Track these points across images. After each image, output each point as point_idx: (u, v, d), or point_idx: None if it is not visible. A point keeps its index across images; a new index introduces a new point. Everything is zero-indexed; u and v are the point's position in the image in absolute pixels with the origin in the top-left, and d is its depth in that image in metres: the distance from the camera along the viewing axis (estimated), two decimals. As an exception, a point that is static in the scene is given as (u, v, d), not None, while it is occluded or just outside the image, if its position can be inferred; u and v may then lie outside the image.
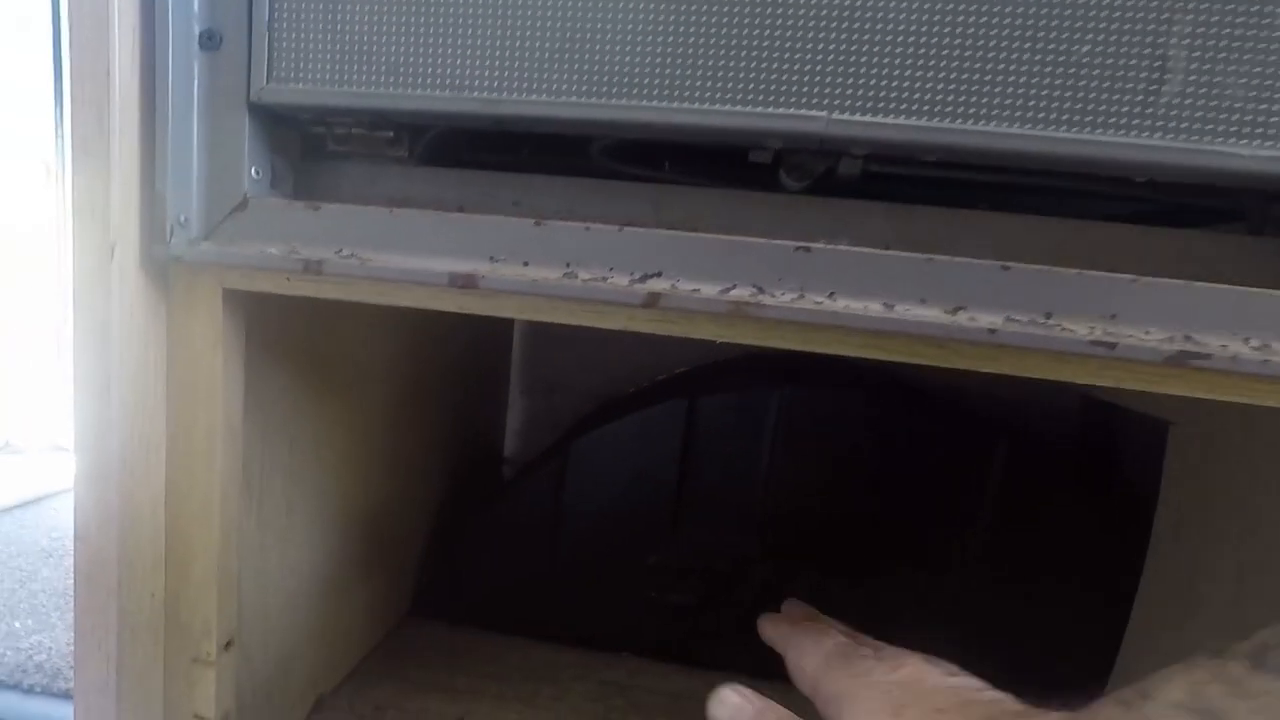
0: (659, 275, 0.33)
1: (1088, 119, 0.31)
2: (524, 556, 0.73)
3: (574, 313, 0.33)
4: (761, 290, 0.33)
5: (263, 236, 0.34)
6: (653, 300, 0.32)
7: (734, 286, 0.33)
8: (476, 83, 0.33)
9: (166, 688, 0.41)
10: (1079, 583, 0.67)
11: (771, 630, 0.40)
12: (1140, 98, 0.31)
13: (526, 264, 0.33)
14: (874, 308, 0.32)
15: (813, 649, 0.36)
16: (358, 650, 0.65)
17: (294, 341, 0.46)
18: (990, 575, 0.68)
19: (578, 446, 0.71)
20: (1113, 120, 0.31)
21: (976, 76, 0.31)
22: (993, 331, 0.31)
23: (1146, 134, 0.31)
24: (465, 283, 0.33)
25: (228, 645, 0.41)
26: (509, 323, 0.98)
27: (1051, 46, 0.30)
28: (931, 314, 0.32)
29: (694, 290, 0.33)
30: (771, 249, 0.33)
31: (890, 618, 0.70)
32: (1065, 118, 0.31)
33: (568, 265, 0.33)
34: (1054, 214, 0.35)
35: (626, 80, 0.32)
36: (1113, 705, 0.25)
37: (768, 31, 0.31)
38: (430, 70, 0.33)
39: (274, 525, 0.48)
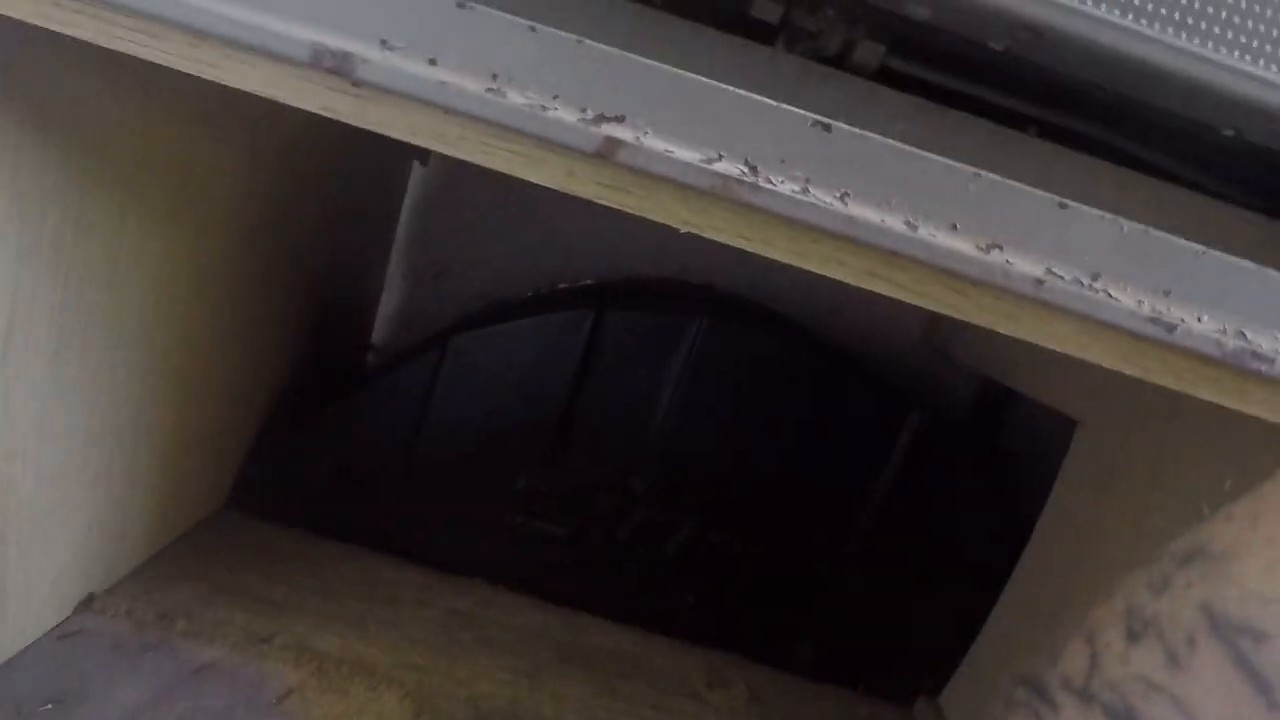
0: (621, 120, 0.23)
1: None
2: (376, 457, 0.63)
3: (489, 147, 0.23)
4: (755, 170, 0.24)
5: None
6: (610, 150, 0.22)
7: (720, 157, 0.24)
8: None
9: None
10: (957, 567, 0.66)
11: None
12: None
13: (434, 61, 0.23)
14: (894, 223, 0.24)
15: None
16: (149, 542, 0.53)
17: (80, 122, 0.32)
18: (874, 547, 0.66)
19: (458, 343, 0.61)
20: (1217, 34, 0.25)
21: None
22: (1039, 283, 0.24)
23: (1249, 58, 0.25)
24: (335, 65, 0.22)
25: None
26: (399, 189, 0.84)
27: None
28: (962, 246, 0.24)
29: (667, 150, 0.23)
30: (780, 116, 0.24)
31: (766, 578, 0.68)
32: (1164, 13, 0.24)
33: (495, 77, 0.23)
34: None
35: None
36: None
37: None
38: None
39: (29, 377, 0.35)
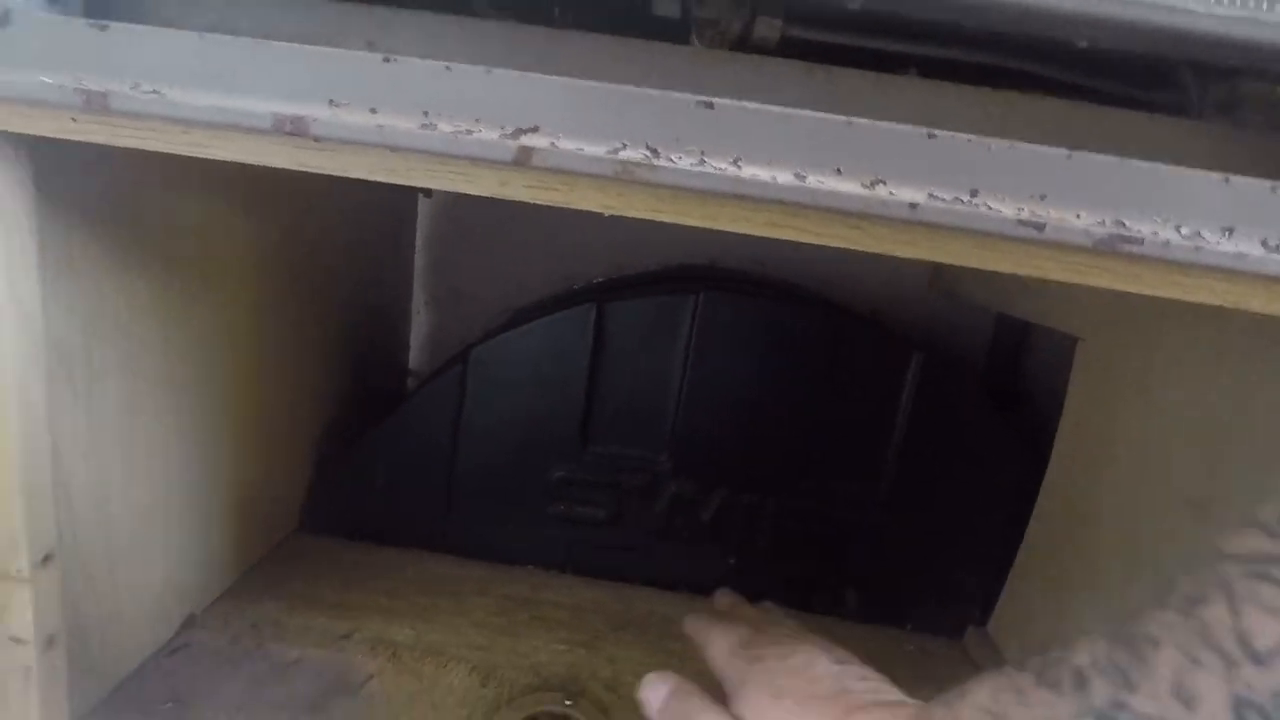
0: (535, 130, 0.28)
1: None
2: (422, 469, 0.68)
3: (434, 172, 0.28)
4: (656, 153, 0.28)
5: (35, 62, 0.27)
6: (525, 156, 0.27)
7: (624, 146, 0.28)
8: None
9: (-26, 610, 0.36)
10: (984, 499, 0.68)
11: (691, 626, 0.42)
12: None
13: (374, 110, 0.28)
14: (784, 177, 0.28)
15: (720, 640, 0.38)
16: (236, 567, 0.60)
17: (118, 210, 0.39)
18: (901, 491, 0.68)
19: (477, 354, 0.66)
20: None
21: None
22: (914, 206, 0.27)
23: (1094, -13, 0.27)
24: (294, 128, 0.27)
25: (45, 560, 0.36)
26: (409, 224, 0.90)
27: None
28: (848, 186, 0.28)
29: (577, 149, 0.28)
30: (669, 103, 0.28)
31: (801, 533, 0.71)
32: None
33: (426, 114, 0.28)
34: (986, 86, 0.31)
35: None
36: (939, 706, 0.30)
37: None
38: None
39: (109, 426, 0.41)
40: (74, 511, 0.39)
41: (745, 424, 0.68)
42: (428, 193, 0.89)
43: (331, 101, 0.28)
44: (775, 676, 0.34)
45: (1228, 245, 0.28)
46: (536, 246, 0.91)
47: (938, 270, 0.87)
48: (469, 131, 0.28)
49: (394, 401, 0.84)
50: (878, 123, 0.28)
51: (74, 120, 0.28)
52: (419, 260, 0.93)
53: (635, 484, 0.68)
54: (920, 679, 0.61)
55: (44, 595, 0.36)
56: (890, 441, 0.68)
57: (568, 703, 0.51)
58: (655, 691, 0.36)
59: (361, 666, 0.52)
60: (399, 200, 0.86)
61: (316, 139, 0.27)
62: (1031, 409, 0.80)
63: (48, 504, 0.36)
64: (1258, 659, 0.22)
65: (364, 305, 0.79)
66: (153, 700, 0.45)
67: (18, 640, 0.36)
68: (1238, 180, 0.28)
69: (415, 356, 0.96)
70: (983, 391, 0.71)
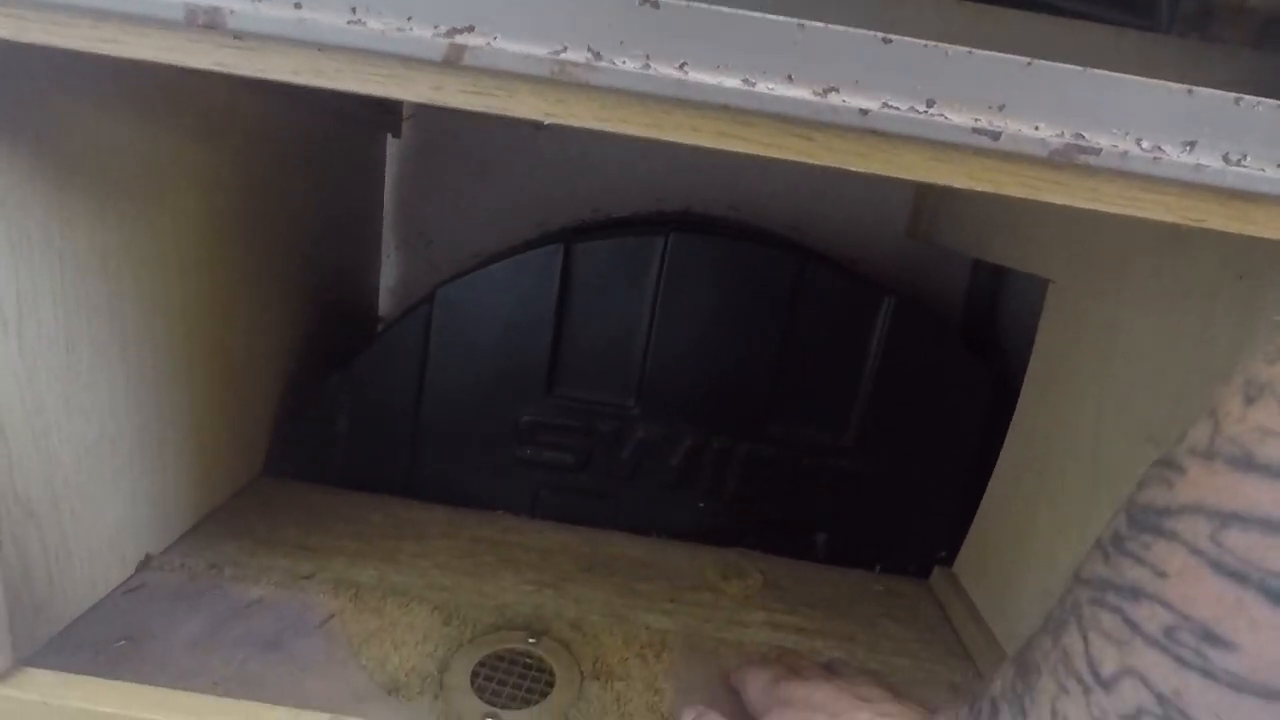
0: (470, 30, 0.26)
1: None
2: (388, 413, 0.68)
3: (362, 75, 0.26)
4: (599, 55, 0.26)
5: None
6: (457, 54, 0.25)
7: (565, 49, 0.26)
8: None
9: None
10: (954, 442, 0.68)
11: (734, 676, 0.47)
12: None
13: (298, 4, 0.26)
14: (732, 83, 0.27)
15: (754, 678, 0.44)
16: (196, 510, 0.59)
17: (43, 123, 0.37)
18: (870, 434, 0.68)
19: (444, 293, 0.65)
20: None
21: None
22: (865, 113, 0.26)
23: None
24: (210, 20, 0.25)
25: (-22, 493, 0.35)
26: (378, 167, 0.88)
27: None
28: (799, 93, 0.27)
29: (515, 50, 0.26)
30: (613, 2, 0.26)
31: (770, 477, 0.71)
32: None
33: (354, 9, 0.26)
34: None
35: None
36: None
37: None
38: None
39: (47, 361, 0.40)
40: (8, 444, 0.38)
41: (715, 368, 0.67)
42: (397, 133, 0.86)
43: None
44: (800, 710, 0.38)
45: (1188, 158, 0.27)
46: (509, 193, 0.89)
47: (915, 216, 0.86)
48: (399, 29, 0.26)
49: (357, 345, 0.83)
50: (831, 26, 0.26)
51: (-28, 12, 0.26)
52: (388, 204, 0.91)
53: (604, 428, 0.68)
54: (888, 618, 0.63)
55: (-19, 528, 0.35)
56: (860, 385, 0.68)
57: (531, 640, 0.51)
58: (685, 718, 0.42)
59: (323, 606, 0.51)
60: (367, 141, 0.83)
61: (237, 35, 0.25)
62: (1007, 354, 0.80)
63: (-23, 435, 0.35)
64: (1104, 685, 0.24)
65: (331, 249, 0.77)
66: (105, 639, 0.44)
67: (-43, 576, 0.35)
68: (1201, 92, 0.27)
69: (385, 302, 0.95)
70: (955, 335, 0.70)
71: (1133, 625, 0.23)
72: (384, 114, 0.82)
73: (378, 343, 0.68)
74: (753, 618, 0.59)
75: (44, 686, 0.40)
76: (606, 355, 0.67)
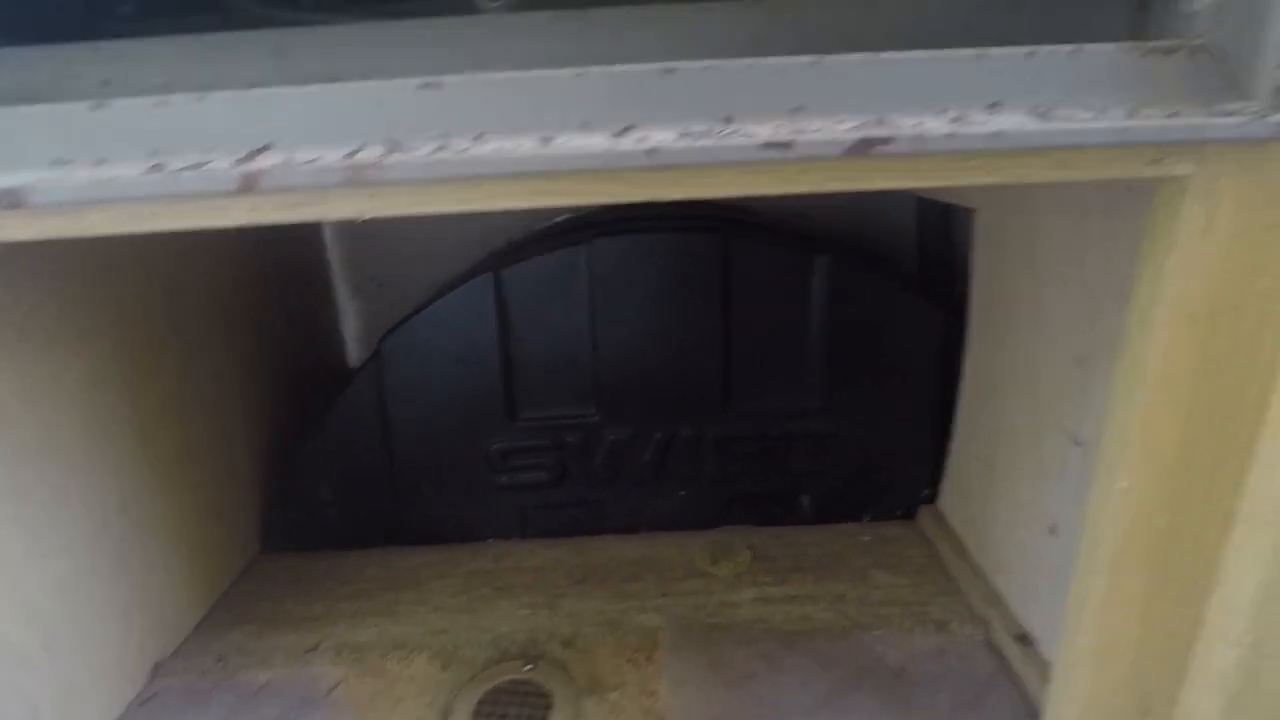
0: (267, 149, 0.27)
1: None
2: (364, 471, 0.69)
3: (161, 217, 0.27)
4: (397, 146, 0.27)
5: None
6: (250, 184, 0.26)
7: (362, 147, 0.27)
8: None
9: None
10: (916, 382, 0.68)
11: None
12: None
13: (101, 161, 0.26)
14: (528, 144, 0.27)
15: None
16: (201, 601, 0.61)
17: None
18: (833, 392, 0.68)
19: (387, 345, 0.66)
20: None
21: None
22: (652, 152, 0.26)
23: None
24: (12, 201, 0.26)
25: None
26: (314, 223, 0.88)
27: None
28: (596, 141, 0.27)
29: (311, 160, 0.27)
30: (393, 92, 0.27)
31: (744, 453, 0.71)
32: None
33: (154, 154, 0.27)
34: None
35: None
36: None
37: None
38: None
39: (2, 513, 0.42)
40: (-21, 601, 0.40)
41: (666, 360, 0.68)
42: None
43: (54, 161, 0.26)
44: None
45: (995, 122, 0.27)
46: (448, 222, 0.89)
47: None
48: (198, 165, 0.26)
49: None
50: (611, 68, 0.26)
51: None
52: (334, 255, 0.92)
53: (571, 440, 0.69)
54: (876, 567, 0.64)
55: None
56: (813, 346, 0.68)
57: (527, 668, 0.53)
58: None
59: (326, 676, 0.54)
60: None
61: (34, 209, 0.26)
62: (954, 278, 0.79)
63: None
64: None
65: (286, 313, 0.78)
66: (122, 752, 0.47)
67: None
68: (993, 53, 0.26)
69: (355, 352, 0.96)
70: (896, 279, 0.70)
71: None
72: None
73: (339, 406, 0.69)
74: (742, 596, 0.60)
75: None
76: (559, 370, 0.67)
